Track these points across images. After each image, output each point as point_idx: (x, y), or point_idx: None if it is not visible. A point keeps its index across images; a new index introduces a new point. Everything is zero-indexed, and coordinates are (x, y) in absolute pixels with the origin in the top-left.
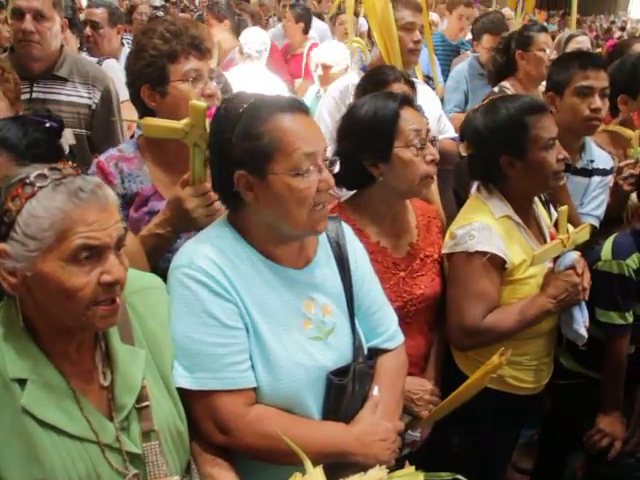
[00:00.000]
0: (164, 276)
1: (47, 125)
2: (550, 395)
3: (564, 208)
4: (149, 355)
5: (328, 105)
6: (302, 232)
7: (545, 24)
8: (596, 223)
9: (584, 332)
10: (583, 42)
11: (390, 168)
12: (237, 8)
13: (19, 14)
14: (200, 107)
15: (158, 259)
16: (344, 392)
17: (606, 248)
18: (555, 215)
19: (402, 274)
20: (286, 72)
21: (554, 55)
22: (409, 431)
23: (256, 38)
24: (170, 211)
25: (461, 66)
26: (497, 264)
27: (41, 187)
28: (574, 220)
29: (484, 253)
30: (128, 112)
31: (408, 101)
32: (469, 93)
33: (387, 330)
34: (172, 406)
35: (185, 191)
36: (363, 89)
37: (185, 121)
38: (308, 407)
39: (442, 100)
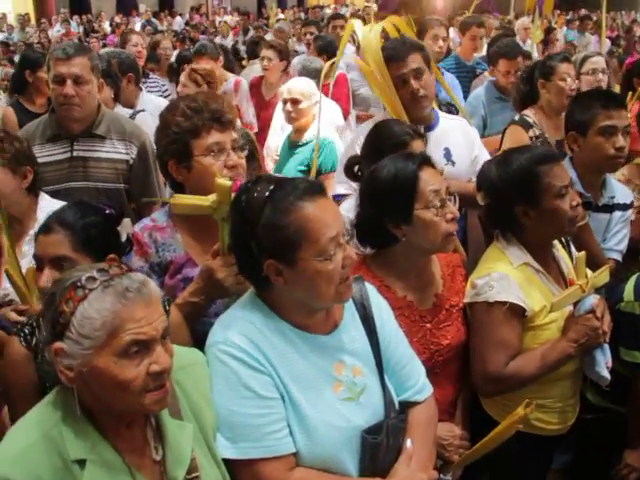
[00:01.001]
0: (199, 338)
1: (106, 212)
2: (577, 430)
3: (582, 254)
4: (196, 427)
5: (347, 147)
6: (330, 304)
7: (564, 29)
8: (619, 257)
9: (606, 374)
10: (598, 63)
11: (412, 229)
12: (265, 46)
13: (60, 80)
14: (225, 185)
15: (194, 323)
16: (379, 448)
17: (628, 289)
18: (576, 254)
19: (429, 326)
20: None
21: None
22: (441, 475)
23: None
24: (203, 281)
25: (478, 91)
26: (517, 312)
27: (91, 289)
28: (598, 256)
29: (504, 303)
30: None
31: (426, 161)
32: (487, 118)
33: (416, 383)
34: (219, 475)
35: (216, 262)
36: (374, 147)
37: (212, 198)
38: (345, 466)
39: None
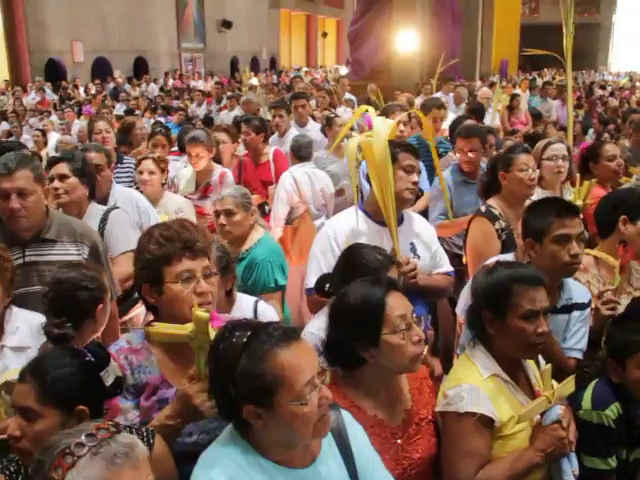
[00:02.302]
0: (176, 457)
1: (86, 359)
2: None
3: (548, 367)
4: None
5: (322, 243)
6: (308, 441)
7: (528, 95)
8: (579, 356)
9: None
10: (559, 149)
11: (380, 352)
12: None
13: (5, 195)
14: (203, 317)
15: (170, 444)
16: None
17: (586, 397)
18: (543, 361)
19: (400, 442)
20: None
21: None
22: None
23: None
24: (179, 405)
25: (444, 174)
26: (486, 423)
27: (80, 456)
28: (559, 359)
29: (474, 414)
30: (127, 262)
31: (393, 286)
32: (454, 200)
33: None
34: None
35: (192, 387)
36: (346, 270)
37: (190, 327)
38: None
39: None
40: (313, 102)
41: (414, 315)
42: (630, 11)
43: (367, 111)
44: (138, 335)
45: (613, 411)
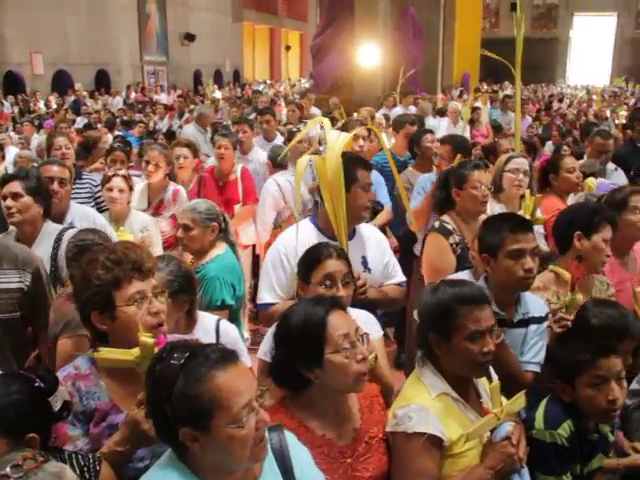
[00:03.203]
0: None
1: (35, 385)
2: None
3: (495, 384)
4: None
5: (272, 257)
6: (245, 465)
7: (488, 108)
8: (537, 369)
9: None
10: (521, 164)
11: (324, 372)
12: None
13: None
14: (148, 343)
15: (120, 470)
16: None
17: (539, 417)
18: (494, 376)
19: (349, 461)
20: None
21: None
22: None
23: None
24: (128, 431)
25: (428, 176)
26: (435, 442)
27: None
28: (516, 372)
29: (422, 434)
30: None
31: (336, 304)
32: None
33: None
34: None
35: (140, 412)
36: (301, 269)
37: (136, 352)
38: None
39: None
40: (284, 115)
41: (358, 332)
42: (585, 27)
43: (322, 124)
44: (86, 360)
45: (565, 429)
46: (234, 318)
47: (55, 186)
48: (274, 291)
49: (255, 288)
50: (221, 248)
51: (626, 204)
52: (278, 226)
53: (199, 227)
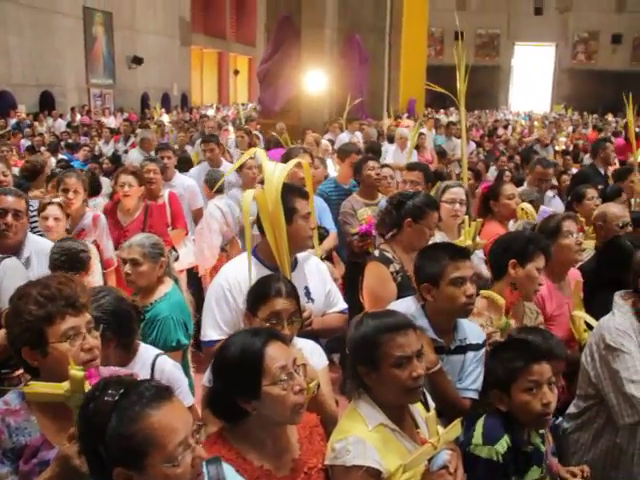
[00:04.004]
0: None
1: None
2: None
3: (432, 414)
4: None
5: (216, 293)
6: None
7: (433, 134)
8: (475, 396)
9: None
10: (458, 193)
11: (261, 403)
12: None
13: None
14: (78, 376)
15: None
16: None
17: (477, 431)
18: (431, 404)
19: None
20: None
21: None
22: None
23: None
24: (59, 467)
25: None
26: (374, 474)
27: None
28: (454, 399)
29: (360, 467)
30: None
31: (273, 335)
32: None
33: None
34: None
35: (71, 447)
36: (250, 299)
37: (66, 386)
38: None
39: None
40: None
41: (296, 363)
42: (525, 56)
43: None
44: (17, 395)
45: (503, 445)
46: (182, 363)
47: (9, 219)
48: (219, 328)
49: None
50: (168, 285)
51: (559, 229)
52: (224, 250)
53: (149, 262)
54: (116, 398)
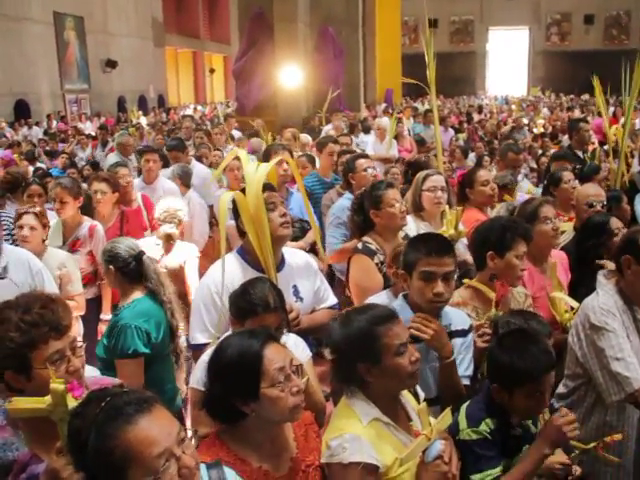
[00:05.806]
0: None
1: None
2: None
3: (423, 406)
4: None
5: (203, 296)
6: None
7: (411, 122)
8: (468, 382)
9: None
10: (438, 181)
11: (259, 405)
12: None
13: None
14: (59, 390)
15: None
16: None
17: (461, 418)
18: (422, 397)
19: None
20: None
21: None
22: None
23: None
24: None
25: (343, 202)
26: (371, 470)
27: None
28: (462, 388)
29: (358, 463)
30: None
31: (271, 337)
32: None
33: None
34: None
35: (59, 461)
36: (235, 313)
37: (48, 400)
38: None
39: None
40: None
41: (292, 364)
42: (500, 40)
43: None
44: (2, 411)
45: (486, 425)
46: (158, 369)
47: None
48: (207, 331)
49: None
50: (138, 293)
51: (537, 215)
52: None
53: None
54: (96, 414)
